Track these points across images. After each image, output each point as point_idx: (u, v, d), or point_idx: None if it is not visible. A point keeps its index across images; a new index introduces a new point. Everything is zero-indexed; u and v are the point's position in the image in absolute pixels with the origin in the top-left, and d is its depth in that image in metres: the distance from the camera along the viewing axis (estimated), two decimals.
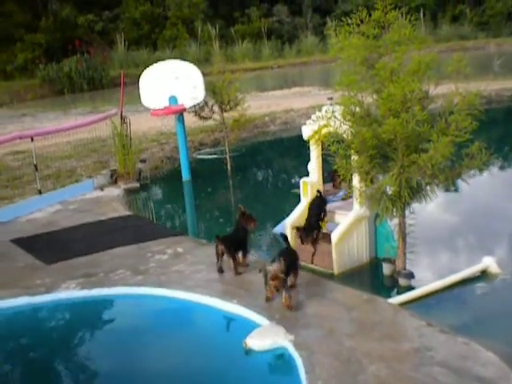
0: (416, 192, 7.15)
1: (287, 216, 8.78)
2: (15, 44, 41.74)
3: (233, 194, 13.67)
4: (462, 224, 9.87)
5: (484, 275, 7.60)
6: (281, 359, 5.70)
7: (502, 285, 7.49)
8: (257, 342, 5.84)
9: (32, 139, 12.06)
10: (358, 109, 7.19)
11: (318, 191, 8.48)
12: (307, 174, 8.82)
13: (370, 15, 7.15)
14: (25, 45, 41.77)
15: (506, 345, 5.81)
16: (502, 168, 13.76)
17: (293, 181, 13.35)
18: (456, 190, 10.71)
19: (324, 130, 7.73)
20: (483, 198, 11.38)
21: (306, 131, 8.24)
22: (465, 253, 8.67)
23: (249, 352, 5.80)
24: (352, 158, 7.33)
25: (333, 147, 7.16)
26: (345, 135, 7.23)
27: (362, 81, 7.19)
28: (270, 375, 5.65)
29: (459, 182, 7.33)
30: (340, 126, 7.28)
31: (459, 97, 6.82)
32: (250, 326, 6.12)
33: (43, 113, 26.71)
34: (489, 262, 7.63)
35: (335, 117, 7.30)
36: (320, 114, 7.63)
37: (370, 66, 7.21)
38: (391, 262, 7.76)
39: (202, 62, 34.02)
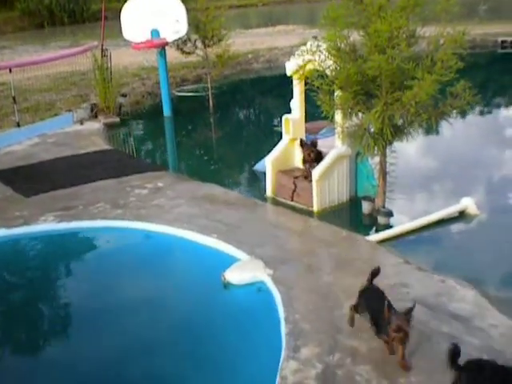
0: (398, 130, 7.11)
1: (268, 153, 8.71)
2: None
3: (214, 131, 13.57)
4: (442, 166, 9.87)
5: (462, 216, 7.65)
6: (259, 293, 5.73)
7: (480, 225, 7.56)
8: (235, 275, 5.87)
9: (10, 70, 11.79)
10: (343, 45, 7.06)
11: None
12: (289, 113, 8.72)
13: None
14: None
15: (481, 284, 5.88)
16: (483, 113, 13.73)
17: (275, 119, 13.23)
18: (438, 133, 10.70)
19: (308, 66, 7.61)
20: (465, 141, 11.41)
21: (290, 66, 8.10)
22: (444, 193, 8.70)
23: (227, 285, 5.83)
24: (335, 94, 7.23)
25: (316, 82, 7.05)
26: (328, 71, 7.12)
27: (349, 16, 7.04)
28: (248, 308, 5.66)
29: (441, 125, 7.28)
30: (324, 60, 7.15)
31: (447, 36, 6.71)
32: (229, 260, 6.15)
33: (22, 46, 26.16)
34: (467, 203, 7.66)
35: (320, 51, 7.17)
36: (305, 48, 7.49)
37: (357, 1, 7.04)
38: (371, 200, 7.76)
39: None
